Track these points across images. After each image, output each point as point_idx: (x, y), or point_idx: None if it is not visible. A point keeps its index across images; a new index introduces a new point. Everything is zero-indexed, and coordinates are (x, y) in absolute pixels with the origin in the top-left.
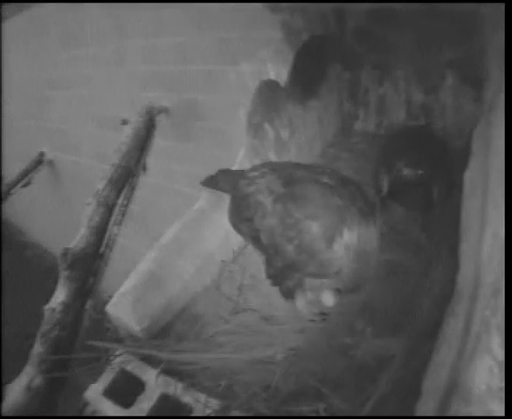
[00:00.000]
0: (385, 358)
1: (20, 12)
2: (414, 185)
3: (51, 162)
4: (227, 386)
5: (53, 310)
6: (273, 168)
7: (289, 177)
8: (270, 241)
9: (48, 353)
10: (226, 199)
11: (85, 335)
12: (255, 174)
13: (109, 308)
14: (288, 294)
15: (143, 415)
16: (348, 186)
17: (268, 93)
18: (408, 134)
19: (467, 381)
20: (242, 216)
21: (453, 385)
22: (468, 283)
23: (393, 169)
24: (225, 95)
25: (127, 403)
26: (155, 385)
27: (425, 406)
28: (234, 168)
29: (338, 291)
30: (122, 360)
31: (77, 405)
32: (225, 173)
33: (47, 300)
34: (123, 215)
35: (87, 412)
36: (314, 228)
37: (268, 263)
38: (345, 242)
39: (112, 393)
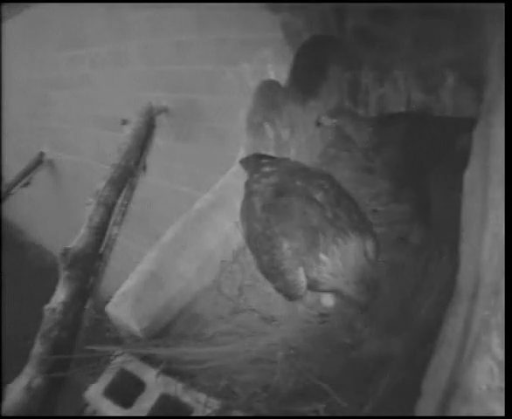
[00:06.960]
0: (385, 358)
1: (20, 12)
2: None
3: (51, 162)
4: (227, 386)
5: (53, 310)
6: (282, 169)
7: (283, 187)
8: (252, 245)
9: (48, 354)
10: (226, 199)
11: (85, 335)
12: (266, 170)
13: (109, 308)
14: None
15: (143, 415)
16: (341, 204)
17: (268, 93)
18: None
19: (467, 382)
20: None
21: (453, 385)
22: (468, 283)
23: None
24: (225, 95)
25: (127, 403)
26: (155, 385)
27: (426, 406)
28: (234, 168)
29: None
30: (122, 360)
31: (77, 405)
32: (254, 158)
33: (47, 300)
34: (123, 215)
35: (87, 412)
36: (285, 246)
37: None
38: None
39: (112, 393)
